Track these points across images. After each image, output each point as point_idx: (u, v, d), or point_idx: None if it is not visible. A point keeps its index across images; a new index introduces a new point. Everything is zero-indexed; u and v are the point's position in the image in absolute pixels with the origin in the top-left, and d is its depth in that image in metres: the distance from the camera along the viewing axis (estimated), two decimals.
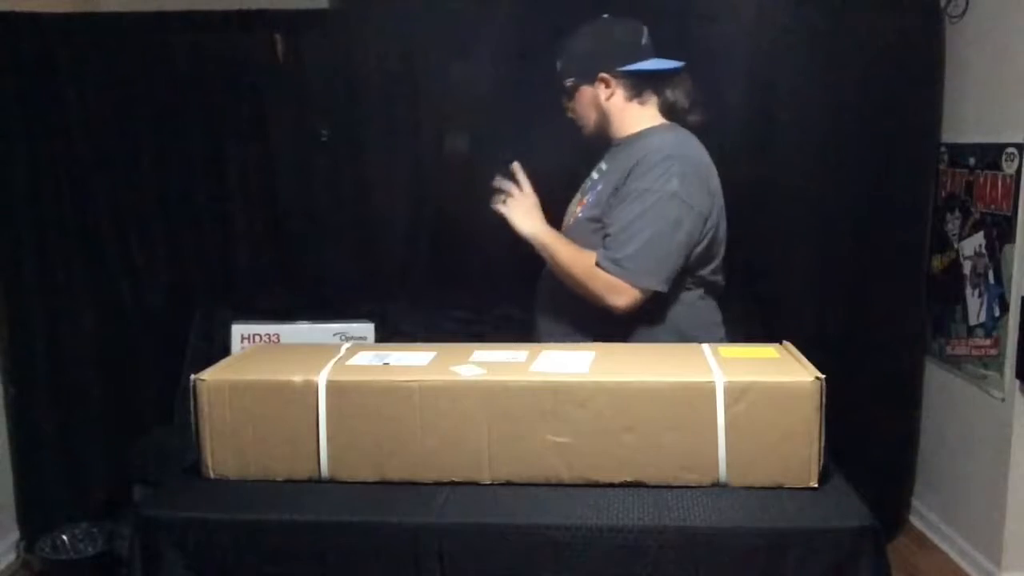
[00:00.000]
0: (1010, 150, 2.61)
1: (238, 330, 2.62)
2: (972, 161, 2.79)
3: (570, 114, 2.12)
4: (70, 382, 3.01)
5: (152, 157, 2.94)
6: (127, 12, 2.93)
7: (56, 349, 3.00)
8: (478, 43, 2.84)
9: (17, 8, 2.83)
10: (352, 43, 2.90)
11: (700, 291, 2.02)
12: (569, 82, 2.06)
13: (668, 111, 2.03)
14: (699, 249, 1.93)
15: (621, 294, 1.87)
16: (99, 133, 2.91)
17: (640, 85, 2.00)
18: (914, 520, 3.16)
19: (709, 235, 1.94)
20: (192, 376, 1.55)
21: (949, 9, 2.84)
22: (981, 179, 2.74)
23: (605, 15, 2.05)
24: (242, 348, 2.54)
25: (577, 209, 2.08)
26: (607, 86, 2.01)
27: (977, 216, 2.76)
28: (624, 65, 1.99)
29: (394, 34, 2.87)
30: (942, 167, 2.96)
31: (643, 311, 1.92)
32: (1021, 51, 2.58)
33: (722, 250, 2.03)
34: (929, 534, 3.07)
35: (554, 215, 2.18)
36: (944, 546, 2.98)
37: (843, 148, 2.86)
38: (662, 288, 1.88)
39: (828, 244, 2.93)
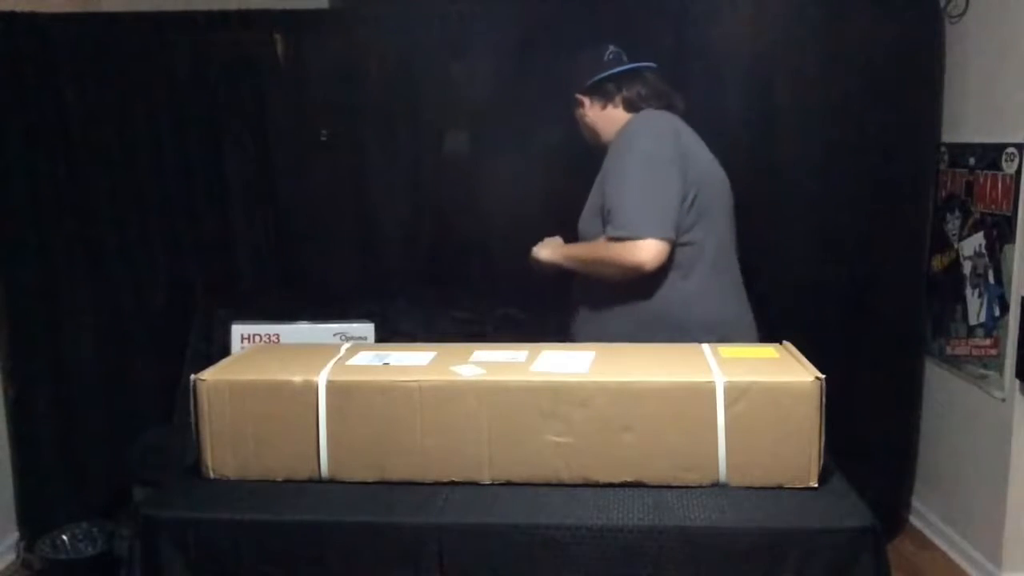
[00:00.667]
0: (1010, 150, 2.61)
1: (238, 330, 2.61)
2: (972, 161, 2.79)
3: None
4: (70, 382, 3.01)
5: (152, 157, 2.94)
6: (127, 12, 2.92)
7: (56, 349, 2.99)
8: (478, 43, 2.84)
9: (17, 8, 2.83)
10: (352, 43, 2.89)
11: (705, 267, 2.08)
12: (573, 111, 2.32)
13: (628, 105, 2.23)
14: (686, 204, 2.04)
15: (637, 252, 1.98)
16: (99, 133, 2.90)
17: (606, 93, 2.24)
18: (914, 520, 3.16)
19: (692, 192, 2.05)
20: (192, 376, 1.55)
21: (949, 9, 2.84)
22: (981, 179, 2.74)
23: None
24: (242, 348, 2.54)
25: (583, 206, 2.22)
26: (581, 104, 2.28)
27: (977, 216, 2.76)
28: (588, 81, 2.25)
29: (394, 34, 2.86)
30: (942, 167, 2.96)
31: (660, 296, 2.05)
32: (1021, 51, 2.58)
33: (716, 215, 2.12)
34: (929, 534, 3.07)
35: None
36: (944, 546, 2.98)
37: (843, 148, 2.86)
38: (668, 235, 1.99)
39: (828, 244, 2.93)
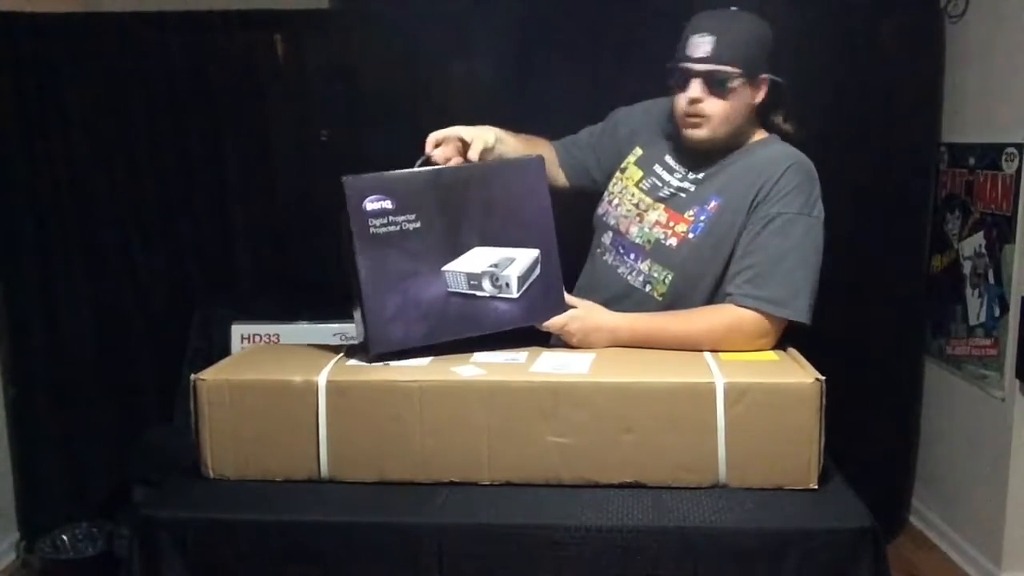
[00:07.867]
0: (1010, 150, 2.61)
1: (238, 330, 2.61)
2: (972, 161, 2.79)
3: (697, 108, 1.72)
4: (70, 382, 3.01)
5: (152, 157, 2.94)
6: (127, 12, 2.92)
7: (56, 349, 3.00)
8: (478, 43, 2.84)
9: (17, 8, 2.83)
10: (352, 43, 2.89)
11: None
12: (735, 74, 1.69)
13: (795, 128, 1.85)
14: None
15: (768, 334, 1.68)
16: (99, 133, 2.91)
17: (774, 95, 1.78)
18: (914, 520, 3.16)
19: None
20: (192, 376, 1.55)
21: (949, 9, 2.84)
22: (981, 179, 2.74)
23: (733, 8, 1.76)
24: (242, 348, 2.54)
25: (675, 226, 1.76)
26: (758, 90, 1.74)
27: (977, 216, 2.76)
28: (773, 72, 1.74)
29: (394, 34, 2.86)
30: (942, 167, 2.96)
31: None
32: (1021, 51, 2.58)
33: None
34: (929, 534, 3.07)
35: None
36: (944, 546, 2.98)
37: (843, 148, 2.86)
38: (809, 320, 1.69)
39: (828, 244, 2.91)
